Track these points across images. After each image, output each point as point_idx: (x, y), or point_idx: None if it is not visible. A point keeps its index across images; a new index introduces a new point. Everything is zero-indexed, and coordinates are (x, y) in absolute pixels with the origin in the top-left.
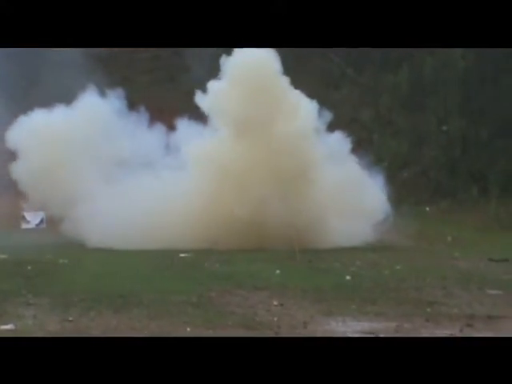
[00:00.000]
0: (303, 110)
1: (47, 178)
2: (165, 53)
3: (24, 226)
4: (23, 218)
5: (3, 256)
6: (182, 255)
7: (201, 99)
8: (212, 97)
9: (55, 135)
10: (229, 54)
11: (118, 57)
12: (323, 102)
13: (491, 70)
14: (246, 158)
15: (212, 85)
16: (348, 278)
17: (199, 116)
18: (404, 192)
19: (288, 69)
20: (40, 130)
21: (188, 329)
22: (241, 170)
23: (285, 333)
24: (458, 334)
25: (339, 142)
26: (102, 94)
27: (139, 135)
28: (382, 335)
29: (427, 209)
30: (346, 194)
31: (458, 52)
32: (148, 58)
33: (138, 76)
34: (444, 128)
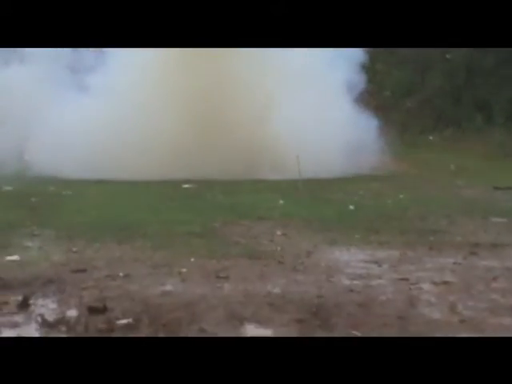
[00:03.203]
0: None
1: None
2: None
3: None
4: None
5: (8, 188)
6: (184, 186)
7: None
8: None
9: None
10: None
11: None
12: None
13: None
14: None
15: None
16: (351, 207)
17: None
18: (408, 121)
19: None
20: None
21: (192, 259)
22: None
23: (288, 262)
24: (462, 262)
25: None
26: None
27: None
28: (385, 264)
29: (430, 138)
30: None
31: None
32: None
33: None
34: (447, 56)
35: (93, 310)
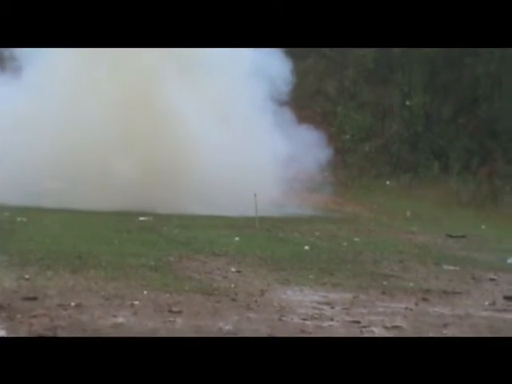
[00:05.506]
0: None
1: None
2: None
3: None
4: None
5: None
6: (141, 219)
7: None
8: None
9: None
10: None
11: None
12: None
13: (457, 49)
14: None
15: None
16: (306, 248)
17: None
18: (365, 165)
19: None
20: None
21: (145, 292)
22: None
23: (241, 299)
24: (413, 307)
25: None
26: None
27: None
28: (338, 306)
29: (387, 182)
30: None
31: None
32: None
33: None
34: (407, 103)
35: None
